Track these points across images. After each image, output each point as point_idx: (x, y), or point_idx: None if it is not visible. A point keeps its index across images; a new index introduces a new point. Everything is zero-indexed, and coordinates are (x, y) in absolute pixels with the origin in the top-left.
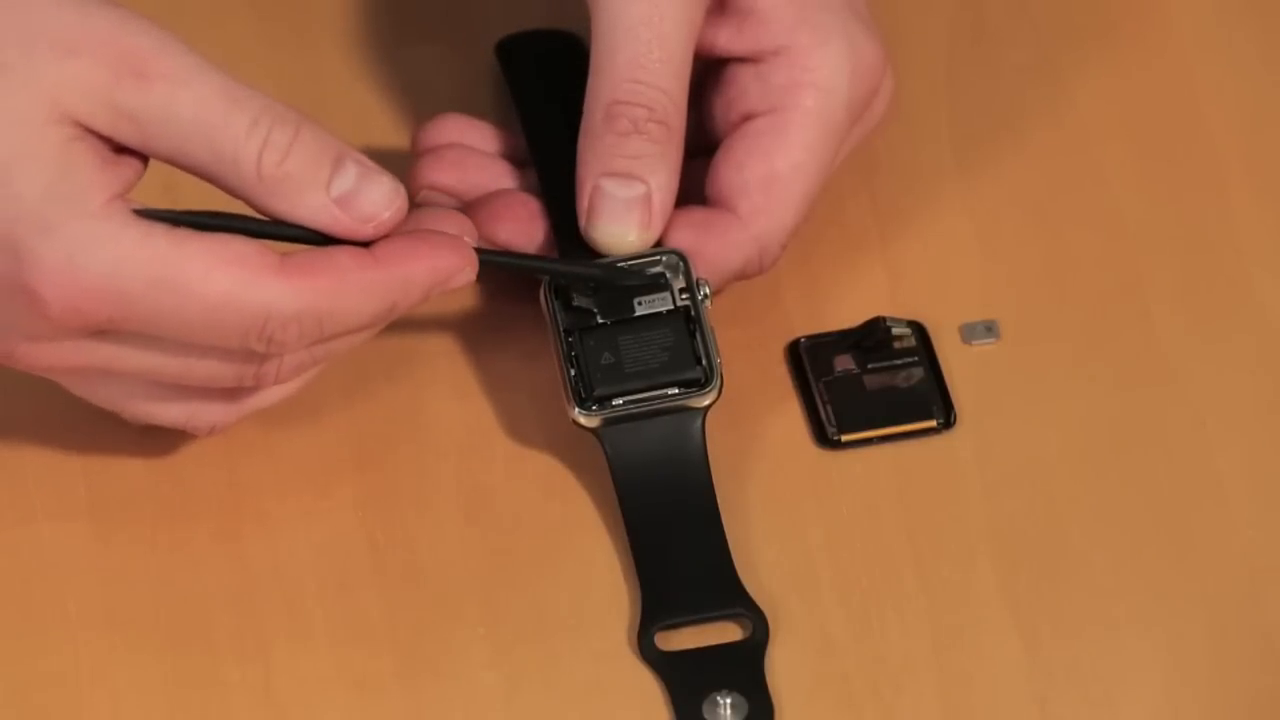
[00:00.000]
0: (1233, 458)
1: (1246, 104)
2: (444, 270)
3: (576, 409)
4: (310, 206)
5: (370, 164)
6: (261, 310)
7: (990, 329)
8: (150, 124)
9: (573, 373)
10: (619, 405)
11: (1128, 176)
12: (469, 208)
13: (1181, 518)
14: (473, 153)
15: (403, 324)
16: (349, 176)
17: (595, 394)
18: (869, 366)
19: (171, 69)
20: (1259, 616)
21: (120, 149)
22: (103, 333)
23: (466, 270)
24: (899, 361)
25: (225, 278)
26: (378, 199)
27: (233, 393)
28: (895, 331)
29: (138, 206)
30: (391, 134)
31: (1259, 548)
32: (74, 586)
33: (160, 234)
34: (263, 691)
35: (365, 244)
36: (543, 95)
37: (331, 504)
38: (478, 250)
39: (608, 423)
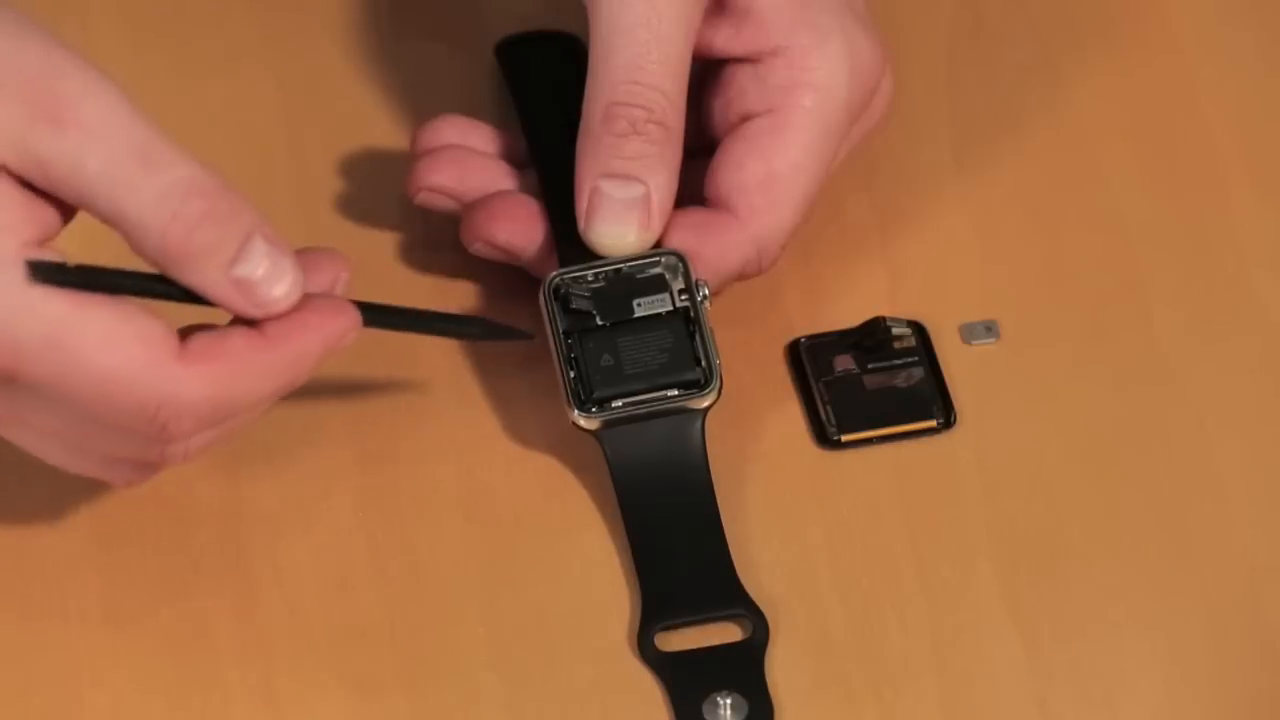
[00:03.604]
0: (1233, 458)
1: (1246, 104)
2: (334, 337)
3: (576, 411)
4: (209, 280)
5: (278, 244)
6: (154, 397)
7: (990, 329)
8: (55, 170)
9: (572, 375)
10: (618, 407)
11: (1128, 176)
12: (468, 209)
13: (1181, 518)
14: (472, 154)
15: None
16: (253, 261)
17: (594, 396)
18: (869, 366)
19: (90, 118)
20: (1259, 616)
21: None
22: (11, 381)
23: (353, 330)
24: (899, 361)
25: (120, 355)
26: (277, 293)
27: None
28: (895, 331)
29: (40, 259)
30: (391, 134)
31: (1259, 548)
32: (74, 587)
33: (64, 294)
34: (263, 692)
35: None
36: (542, 96)
37: (331, 505)
38: (358, 305)
39: (607, 425)
